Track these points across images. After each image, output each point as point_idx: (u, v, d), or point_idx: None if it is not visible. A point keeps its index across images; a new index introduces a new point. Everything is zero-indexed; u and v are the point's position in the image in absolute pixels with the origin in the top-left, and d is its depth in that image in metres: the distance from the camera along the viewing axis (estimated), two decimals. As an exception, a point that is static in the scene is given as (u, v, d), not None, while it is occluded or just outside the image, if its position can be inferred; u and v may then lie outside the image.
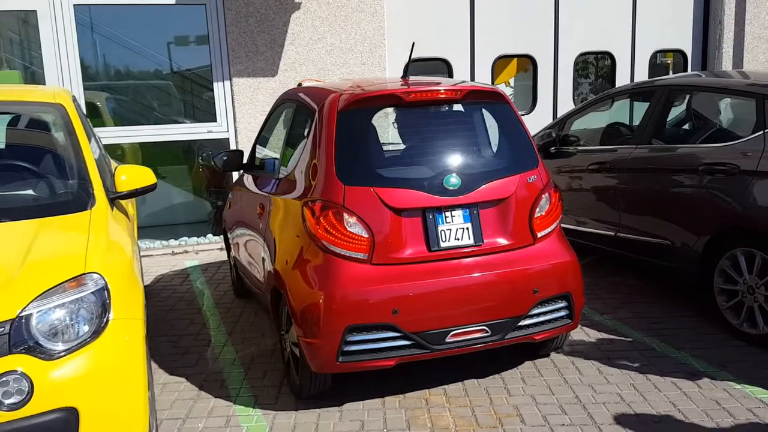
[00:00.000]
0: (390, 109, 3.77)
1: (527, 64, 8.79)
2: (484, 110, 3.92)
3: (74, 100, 4.02)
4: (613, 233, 5.32)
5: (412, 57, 4.12)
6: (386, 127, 3.84)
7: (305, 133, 3.96)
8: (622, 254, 5.33)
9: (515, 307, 3.57)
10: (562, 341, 4.14)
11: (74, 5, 6.60)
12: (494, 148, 3.89)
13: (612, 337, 4.51)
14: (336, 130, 3.59)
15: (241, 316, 5.20)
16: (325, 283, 3.43)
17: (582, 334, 4.56)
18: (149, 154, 7.87)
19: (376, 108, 3.73)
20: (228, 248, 5.85)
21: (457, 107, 3.85)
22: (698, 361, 4.10)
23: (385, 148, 3.86)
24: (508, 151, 3.83)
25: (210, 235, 7.51)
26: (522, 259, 3.62)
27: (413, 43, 4.17)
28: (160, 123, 7.82)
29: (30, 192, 3.30)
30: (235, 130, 7.25)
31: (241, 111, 7.20)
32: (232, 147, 7.25)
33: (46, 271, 2.65)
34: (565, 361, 4.14)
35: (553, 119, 8.48)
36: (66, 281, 2.62)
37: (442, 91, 3.74)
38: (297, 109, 4.23)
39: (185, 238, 7.40)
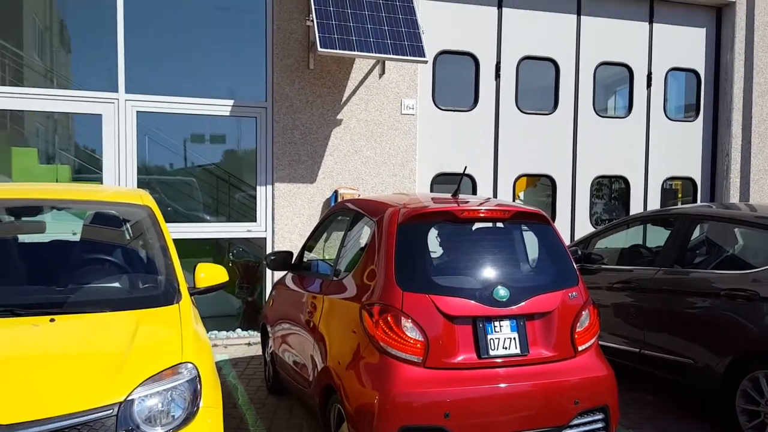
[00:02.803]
0: (445, 224, 4.14)
1: (536, 180, 9.33)
2: (528, 229, 4.30)
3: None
4: (637, 350, 5.56)
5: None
6: (440, 239, 4.19)
7: (362, 241, 4.31)
8: (646, 370, 5.55)
9: (558, 417, 3.78)
10: (596, 453, 4.29)
11: (137, 112, 7.19)
12: (538, 265, 4.23)
13: (641, 452, 4.67)
14: (396, 240, 3.95)
15: (276, 413, 5.36)
16: (381, 383, 3.66)
17: (612, 447, 4.70)
18: (178, 248, 8.17)
19: (432, 223, 4.11)
20: (264, 344, 6.06)
21: (505, 225, 4.22)
22: (726, 479, 4.25)
23: (439, 258, 4.19)
24: (551, 268, 4.17)
25: (239, 330, 7.73)
26: (564, 370, 3.87)
27: (465, 167, 4.61)
28: (199, 221, 8.23)
29: (126, 286, 3.62)
30: (273, 231, 7.64)
31: (279, 213, 7.63)
32: (269, 247, 7.62)
33: (148, 359, 2.92)
34: (599, 474, 4.28)
35: (571, 235, 8.90)
36: (163, 370, 2.89)
37: (493, 211, 4.14)
38: (354, 219, 4.61)
39: (215, 331, 7.61)
